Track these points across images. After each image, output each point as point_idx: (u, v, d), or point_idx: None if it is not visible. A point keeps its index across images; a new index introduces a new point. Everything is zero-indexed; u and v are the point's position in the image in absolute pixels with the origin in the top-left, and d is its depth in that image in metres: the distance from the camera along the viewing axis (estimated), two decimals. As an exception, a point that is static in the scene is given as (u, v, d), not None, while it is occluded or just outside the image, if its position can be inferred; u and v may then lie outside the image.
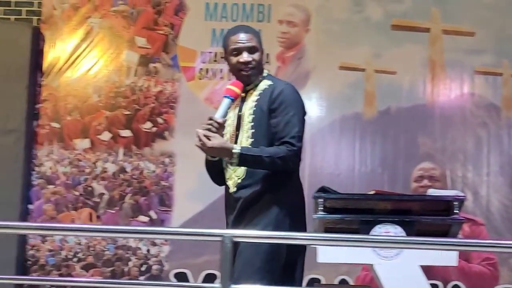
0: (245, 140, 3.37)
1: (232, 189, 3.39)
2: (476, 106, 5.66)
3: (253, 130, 3.37)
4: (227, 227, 3.43)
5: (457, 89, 5.68)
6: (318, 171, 5.61)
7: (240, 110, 3.43)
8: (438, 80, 5.69)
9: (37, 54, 5.87)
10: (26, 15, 6.01)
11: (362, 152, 5.63)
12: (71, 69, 5.89)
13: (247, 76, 3.41)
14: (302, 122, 3.38)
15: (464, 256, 4.20)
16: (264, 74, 3.49)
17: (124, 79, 5.88)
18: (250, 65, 3.40)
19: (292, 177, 3.41)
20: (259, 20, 5.78)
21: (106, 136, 5.85)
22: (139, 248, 5.69)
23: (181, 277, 5.61)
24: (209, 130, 3.29)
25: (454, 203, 3.39)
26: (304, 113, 3.43)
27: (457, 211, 3.37)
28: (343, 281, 5.42)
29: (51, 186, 5.82)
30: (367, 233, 3.35)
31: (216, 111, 3.38)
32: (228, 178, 3.43)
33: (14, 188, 5.71)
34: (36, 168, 5.83)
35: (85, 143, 5.85)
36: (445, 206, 3.41)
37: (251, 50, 3.41)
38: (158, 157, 5.78)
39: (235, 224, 3.36)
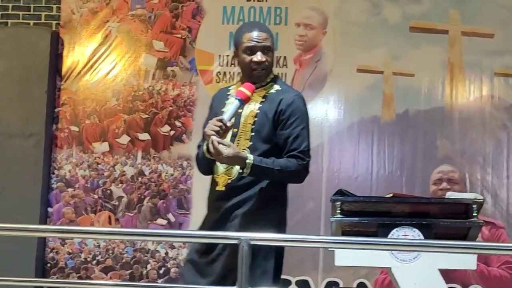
0: (243, 140, 3.35)
1: (221, 187, 3.35)
2: (496, 108, 5.62)
3: (253, 134, 3.34)
4: (206, 220, 3.40)
5: (476, 91, 5.64)
6: (335, 174, 5.60)
7: (241, 108, 3.37)
8: (457, 82, 5.66)
9: (56, 58, 5.91)
10: (45, 20, 6.05)
11: (380, 155, 5.61)
12: (89, 73, 5.92)
13: (259, 77, 3.38)
14: (309, 135, 3.40)
15: (483, 260, 4.16)
16: (271, 76, 3.46)
17: (142, 82, 5.90)
18: (263, 66, 3.37)
19: (284, 188, 3.43)
20: (276, 23, 5.78)
21: (124, 139, 5.87)
22: (158, 251, 5.70)
23: (200, 280, 5.61)
24: (217, 132, 3.24)
25: (473, 206, 3.36)
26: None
27: (476, 214, 3.34)
28: (362, 284, 5.40)
29: (70, 189, 5.85)
30: (385, 236, 3.34)
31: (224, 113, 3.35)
32: (217, 174, 3.38)
33: (33, 191, 5.75)
34: (56, 171, 5.87)
35: (103, 146, 5.88)
36: (464, 209, 3.39)
37: (265, 50, 3.37)
38: (176, 160, 5.80)
39: (218, 223, 3.32)
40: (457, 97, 5.63)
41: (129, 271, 5.73)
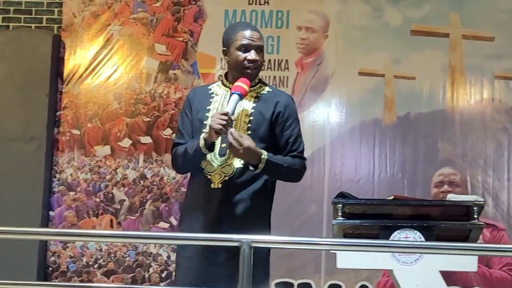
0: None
1: (216, 185, 3.32)
2: (497, 111, 5.63)
3: (249, 132, 3.33)
4: (194, 220, 3.34)
5: (477, 94, 5.66)
6: (337, 177, 5.60)
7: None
8: (458, 85, 5.67)
9: (57, 61, 5.92)
10: (47, 23, 6.06)
11: (381, 157, 5.62)
12: (91, 76, 5.93)
13: (251, 75, 3.38)
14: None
15: (484, 262, 4.17)
16: (258, 77, 3.47)
17: (144, 86, 5.91)
18: (256, 65, 3.39)
19: (275, 186, 3.45)
20: (278, 26, 5.79)
21: (126, 142, 5.88)
22: (160, 255, 5.71)
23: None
24: (224, 126, 3.20)
25: (474, 208, 3.36)
26: None
27: (477, 216, 3.35)
28: (364, 287, 5.41)
29: (72, 193, 5.86)
30: (387, 238, 3.34)
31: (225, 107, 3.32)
32: (209, 171, 3.33)
33: (35, 194, 5.75)
34: (57, 175, 5.88)
35: (105, 150, 5.89)
36: (465, 211, 3.39)
37: (258, 49, 3.39)
38: (177, 164, 5.80)
39: (215, 222, 3.29)
40: (458, 100, 5.64)
41: (131, 275, 5.73)
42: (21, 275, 5.37)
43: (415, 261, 3.35)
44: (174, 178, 5.79)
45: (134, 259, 5.75)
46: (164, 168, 5.81)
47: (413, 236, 3.34)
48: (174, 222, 5.73)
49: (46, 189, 5.81)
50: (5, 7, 6.11)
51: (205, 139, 3.28)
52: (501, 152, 5.54)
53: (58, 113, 5.93)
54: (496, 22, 5.66)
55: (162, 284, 5.67)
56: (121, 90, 5.92)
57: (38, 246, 5.68)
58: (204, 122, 3.38)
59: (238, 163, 3.34)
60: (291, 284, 5.50)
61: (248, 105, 3.39)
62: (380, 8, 5.78)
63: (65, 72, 5.93)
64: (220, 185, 3.32)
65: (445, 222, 3.39)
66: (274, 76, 5.76)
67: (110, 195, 5.85)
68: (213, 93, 3.47)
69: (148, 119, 5.89)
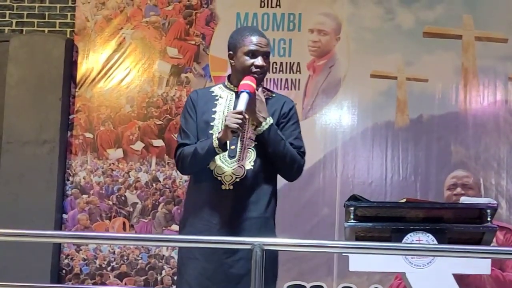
0: (244, 139, 3.36)
1: (228, 186, 3.33)
2: (510, 113, 5.60)
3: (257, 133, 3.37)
4: (201, 222, 3.34)
5: (490, 96, 5.63)
6: (349, 179, 5.59)
7: (234, 108, 3.36)
8: (470, 87, 5.65)
9: (70, 65, 5.94)
10: (60, 27, 6.09)
11: (394, 160, 5.61)
12: (104, 79, 5.96)
13: (257, 80, 3.38)
14: None
15: (498, 265, 4.14)
16: None
17: (156, 89, 5.93)
18: (263, 70, 3.41)
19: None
20: (289, 29, 5.79)
21: (138, 146, 5.90)
22: (172, 257, 5.72)
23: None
24: (240, 125, 3.23)
25: (487, 210, 3.35)
26: None
27: (490, 219, 3.33)
28: (376, 290, 5.40)
29: (85, 196, 5.88)
30: (399, 241, 3.33)
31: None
32: (218, 173, 3.35)
33: (48, 197, 5.78)
34: (70, 178, 5.90)
35: (118, 153, 5.91)
36: (478, 214, 3.38)
37: (265, 55, 3.41)
38: (190, 167, 5.80)
39: (227, 223, 3.30)
40: (471, 102, 5.62)
41: (144, 277, 5.74)
42: (35, 278, 5.41)
43: (427, 264, 3.34)
44: (186, 181, 5.80)
45: (147, 262, 5.76)
46: (176, 171, 5.81)
47: (426, 239, 3.33)
48: (187, 225, 5.74)
49: (59, 192, 5.84)
50: (19, 12, 6.15)
51: (218, 139, 3.30)
52: (515, 155, 5.52)
53: (71, 117, 5.96)
54: (509, 24, 5.63)
55: (174, 286, 5.68)
56: (134, 94, 5.94)
57: (52, 248, 5.70)
58: (211, 124, 3.40)
59: (248, 165, 3.35)
60: (303, 287, 5.50)
61: None
62: (392, 10, 5.76)
63: (78, 76, 5.96)
64: (231, 187, 3.33)
65: (458, 225, 3.38)
66: (286, 79, 5.76)
67: (123, 198, 5.87)
68: (217, 95, 3.48)
69: (160, 122, 5.90)
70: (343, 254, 3.45)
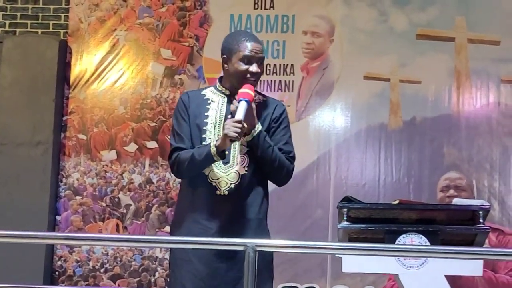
0: (238, 145, 3.36)
1: (223, 192, 3.35)
2: (503, 115, 5.62)
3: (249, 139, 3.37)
4: (196, 226, 3.35)
5: (483, 98, 5.65)
6: (343, 181, 5.60)
7: (228, 113, 3.38)
8: (463, 89, 5.66)
9: (64, 66, 5.94)
10: (53, 29, 6.08)
11: (387, 162, 5.62)
12: (97, 81, 5.95)
13: (252, 85, 3.38)
14: None
15: (490, 267, 4.15)
16: None
17: (150, 90, 5.93)
18: (256, 77, 3.41)
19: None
20: (283, 31, 5.80)
21: (132, 147, 5.89)
22: (166, 259, 5.71)
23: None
24: (239, 133, 3.24)
25: (479, 212, 3.36)
26: None
27: (482, 221, 3.34)
28: (369, 292, 5.40)
29: (78, 197, 5.88)
30: (392, 242, 3.34)
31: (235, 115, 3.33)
32: (215, 179, 3.37)
33: (41, 199, 5.77)
34: (64, 180, 5.89)
35: (111, 154, 5.90)
36: (470, 216, 3.38)
37: (259, 61, 3.41)
38: (183, 168, 5.80)
39: (223, 228, 3.32)
40: (464, 104, 5.64)
41: (137, 279, 5.74)
42: (28, 279, 5.40)
43: (420, 265, 3.35)
44: (179, 183, 5.79)
45: (140, 264, 5.76)
46: (170, 172, 5.81)
47: (419, 240, 3.34)
48: (180, 227, 5.74)
49: (52, 194, 5.83)
50: (12, 13, 6.14)
51: (216, 147, 3.31)
52: (507, 156, 5.53)
53: (64, 118, 5.95)
54: (502, 26, 5.65)
55: (168, 288, 5.68)
56: (127, 95, 5.93)
57: (45, 250, 5.69)
58: (203, 128, 3.40)
59: (242, 170, 3.37)
60: (297, 289, 5.50)
61: None
62: (386, 12, 5.78)
63: (72, 77, 5.95)
64: (226, 192, 3.35)
65: (450, 226, 3.38)
66: (280, 81, 5.77)
67: (116, 199, 5.86)
68: (208, 99, 3.47)
69: (154, 124, 5.90)
70: (336, 255, 3.45)
